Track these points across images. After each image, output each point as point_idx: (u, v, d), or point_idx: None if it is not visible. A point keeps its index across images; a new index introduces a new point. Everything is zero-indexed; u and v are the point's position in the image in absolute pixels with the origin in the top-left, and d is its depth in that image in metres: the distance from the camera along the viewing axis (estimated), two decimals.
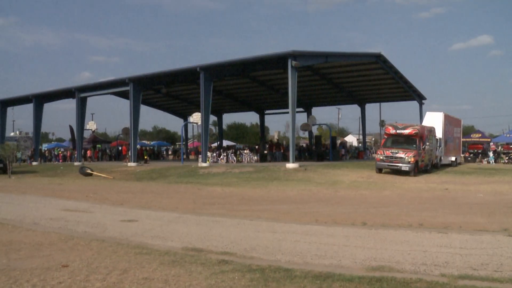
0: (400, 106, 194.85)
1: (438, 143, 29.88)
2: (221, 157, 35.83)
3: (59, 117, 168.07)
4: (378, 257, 7.45)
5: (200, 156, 32.95)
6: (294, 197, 17.69)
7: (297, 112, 32.30)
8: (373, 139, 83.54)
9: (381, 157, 25.40)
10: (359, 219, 11.48)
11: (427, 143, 26.66)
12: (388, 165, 25.18)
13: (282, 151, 38.48)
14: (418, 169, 25.38)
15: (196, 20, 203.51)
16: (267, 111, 52.16)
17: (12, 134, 57.39)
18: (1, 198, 17.86)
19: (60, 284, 6.12)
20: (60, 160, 45.53)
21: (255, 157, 35.71)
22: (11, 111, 51.80)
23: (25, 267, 7.02)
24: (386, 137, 27.63)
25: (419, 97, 41.36)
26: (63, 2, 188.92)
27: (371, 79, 38.01)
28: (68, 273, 6.64)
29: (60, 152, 48.68)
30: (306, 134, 54.26)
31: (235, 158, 35.44)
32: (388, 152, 25.23)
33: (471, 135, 46.20)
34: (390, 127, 27.01)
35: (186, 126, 51.56)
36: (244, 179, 23.82)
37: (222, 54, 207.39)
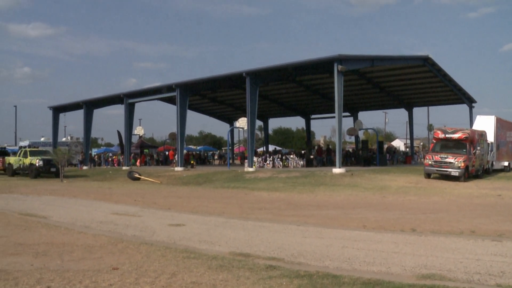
0: (449, 110, 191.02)
1: (490, 147, 29.05)
2: (267, 162, 35.83)
3: (108, 123, 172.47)
4: (428, 265, 7.28)
5: (246, 161, 33.06)
6: (341, 203, 17.52)
7: (344, 116, 31.97)
8: (421, 143, 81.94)
9: (430, 162, 24.88)
10: (408, 226, 11.27)
11: (478, 148, 25.96)
12: (437, 170, 24.65)
13: (327, 155, 38.26)
14: (469, 175, 24.74)
15: (241, 26, 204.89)
16: (313, 116, 51.92)
17: (64, 139, 59.05)
18: (54, 202, 18.39)
19: (111, 286, 6.25)
20: (115, 165, 46.51)
21: (301, 162, 35.57)
22: (63, 117, 53.38)
23: (78, 268, 7.20)
24: (434, 141, 27.06)
25: (469, 100, 40.30)
26: (110, 11, 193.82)
27: (418, 82, 37.29)
28: (118, 275, 6.77)
29: (115, 157, 49.72)
30: (353, 139, 53.74)
31: (281, 163, 35.39)
32: (437, 157, 24.70)
33: None
34: (439, 132, 26.45)
35: (232, 131, 51.90)
36: (290, 184, 23.76)
37: (267, 60, 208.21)
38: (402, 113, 74.14)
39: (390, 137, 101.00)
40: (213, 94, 44.62)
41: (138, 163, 43.84)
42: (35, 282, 6.41)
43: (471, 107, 40.58)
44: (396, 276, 6.67)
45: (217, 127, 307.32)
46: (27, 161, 35.27)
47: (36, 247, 8.92)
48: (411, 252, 8.26)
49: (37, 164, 34.46)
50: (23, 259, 7.95)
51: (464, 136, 25.00)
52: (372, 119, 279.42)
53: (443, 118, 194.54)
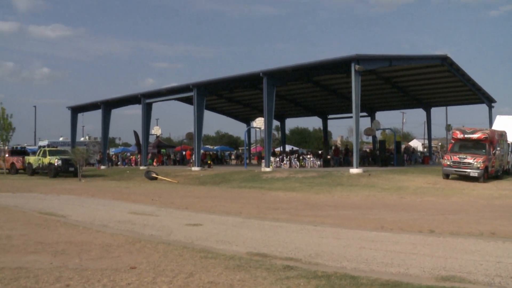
0: (468, 110, 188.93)
1: (510, 148, 28.67)
2: (284, 162, 35.81)
3: (125, 123, 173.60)
4: (447, 267, 7.20)
5: (263, 161, 33.06)
6: (358, 203, 17.44)
7: (361, 116, 31.79)
8: (439, 143, 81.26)
9: (448, 163, 24.62)
10: (426, 227, 11.18)
11: (498, 148, 25.63)
12: (455, 171, 24.38)
13: (344, 156, 38.12)
14: (488, 175, 24.40)
15: (258, 26, 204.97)
16: (330, 116, 51.69)
17: (82, 139, 59.58)
18: (72, 201, 18.58)
19: (129, 286, 6.29)
20: (133, 164, 46.79)
21: (318, 162, 35.47)
22: (81, 117, 53.88)
23: (96, 267, 7.26)
24: (453, 141, 26.76)
25: (489, 100, 39.82)
26: (128, 12, 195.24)
27: (436, 82, 36.92)
28: (136, 274, 6.81)
29: (132, 157, 50.01)
30: (370, 139, 53.44)
31: (298, 163, 35.34)
32: (456, 158, 24.42)
33: None
34: (457, 132, 26.15)
35: (249, 131, 51.90)
36: (307, 184, 23.71)
37: (284, 59, 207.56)
38: (419, 113, 73.57)
39: (408, 137, 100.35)
40: (230, 94, 44.64)
41: (155, 163, 44.06)
42: (55, 280, 6.49)
43: (490, 107, 40.09)
44: (414, 278, 6.61)
45: (234, 127, 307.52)
46: (46, 160, 35.69)
47: (55, 246, 9.02)
48: (430, 254, 8.18)
49: (56, 164, 34.85)
50: (43, 257, 8.04)
51: (483, 136, 24.70)
52: (389, 119, 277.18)
53: (462, 118, 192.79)
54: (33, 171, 37.49)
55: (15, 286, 6.24)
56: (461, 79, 34.87)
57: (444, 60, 31.89)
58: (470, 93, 38.40)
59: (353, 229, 11.08)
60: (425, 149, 55.35)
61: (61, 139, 58.23)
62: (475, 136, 24.88)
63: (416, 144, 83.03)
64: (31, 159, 38.52)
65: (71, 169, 34.81)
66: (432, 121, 46.01)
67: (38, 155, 37.40)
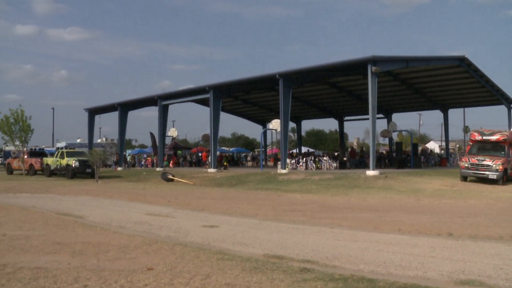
0: (486, 111, 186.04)
1: None
2: (300, 163, 35.73)
3: (142, 124, 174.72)
4: (466, 270, 7.11)
5: (279, 162, 33.02)
6: (375, 205, 17.34)
7: (377, 118, 31.60)
8: (457, 145, 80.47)
9: (466, 165, 24.38)
10: (444, 229, 11.07)
11: None
12: (473, 173, 24.14)
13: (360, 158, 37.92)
14: (507, 178, 24.13)
15: (274, 28, 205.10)
16: (346, 118, 51.49)
17: (99, 140, 60.02)
18: (90, 202, 18.72)
19: (146, 287, 6.32)
20: (149, 166, 46.99)
21: (335, 164, 35.34)
22: (98, 119, 54.32)
23: (113, 268, 7.30)
24: (471, 143, 26.48)
25: (507, 101, 39.32)
26: (145, 15, 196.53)
27: (454, 83, 36.61)
28: (153, 276, 6.83)
29: (149, 158, 50.23)
30: (386, 141, 53.11)
31: (314, 165, 35.23)
32: (474, 160, 24.18)
33: None
34: (476, 133, 25.88)
35: (265, 133, 51.90)
36: (323, 186, 23.63)
37: (300, 61, 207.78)
38: (437, 114, 72.98)
39: (425, 139, 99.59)
40: (246, 96, 44.71)
41: (171, 165, 44.22)
42: (73, 281, 6.53)
43: (509, 108, 39.59)
44: (433, 281, 6.54)
45: (250, 129, 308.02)
46: (64, 162, 36.02)
47: (73, 246, 9.09)
48: (448, 257, 8.09)
49: (73, 165, 35.17)
50: (61, 257, 8.11)
51: (502, 138, 24.42)
52: (406, 121, 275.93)
53: (480, 120, 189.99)
54: (51, 172, 37.86)
55: (34, 286, 6.30)
56: (479, 80, 34.53)
57: (462, 61, 31.60)
58: (489, 94, 38.00)
59: (370, 231, 11.01)
60: (442, 151, 54.83)
61: (78, 140, 58.77)
62: (493, 138, 24.60)
63: (433, 146, 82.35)
64: (49, 160, 38.91)
65: (88, 170, 35.09)
66: (450, 122, 45.59)
67: (56, 157, 37.78)
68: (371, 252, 8.58)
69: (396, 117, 54.95)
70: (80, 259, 7.95)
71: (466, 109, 57.27)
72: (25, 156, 41.14)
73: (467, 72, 32.94)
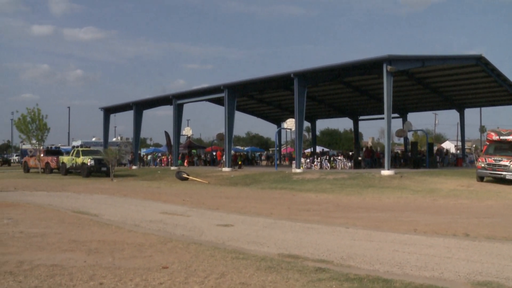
0: (503, 111, 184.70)
1: None
2: (315, 163, 35.66)
3: (156, 123, 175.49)
4: (484, 272, 7.02)
5: (293, 162, 32.97)
6: (390, 205, 17.23)
7: (392, 117, 31.43)
8: (473, 145, 79.75)
9: (483, 165, 24.11)
10: (460, 230, 10.95)
11: None
12: (490, 173, 23.87)
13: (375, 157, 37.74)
14: None
15: (287, 27, 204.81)
16: (361, 117, 51.32)
17: (114, 139, 60.36)
18: (105, 200, 18.84)
19: (161, 285, 6.31)
20: (164, 164, 47.15)
21: (349, 164, 35.21)
22: (113, 118, 54.63)
23: (128, 266, 7.32)
24: (488, 143, 26.19)
25: None
26: (159, 15, 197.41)
27: (471, 82, 36.24)
28: (168, 274, 6.84)
29: (163, 157, 50.42)
30: (401, 141, 52.79)
31: (328, 164, 35.15)
32: (491, 160, 23.91)
33: None
34: (492, 133, 25.58)
35: (279, 132, 51.87)
36: (338, 186, 23.55)
37: (313, 61, 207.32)
38: (452, 114, 72.37)
39: (440, 139, 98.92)
40: (260, 95, 44.70)
41: (185, 163, 44.36)
42: (88, 278, 6.57)
43: None
44: (449, 282, 6.47)
45: (264, 128, 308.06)
46: (80, 160, 36.31)
47: (89, 244, 9.14)
48: (465, 258, 8.01)
49: (88, 164, 35.43)
50: (77, 255, 8.17)
51: None
52: (421, 120, 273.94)
53: (497, 119, 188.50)
54: (67, 171, 38.18)
55: (50, 283, 6.34)
56: (496, 79, 34.16)
57: (479, 60, 31.27)
58: (506, 93, 37.59)
59: (385, 231, 10.93)
60: (458, 151, 54.33)
61: (93, 139, 59.20)
62: (511, 138, 24.32)
63: (449, 145, 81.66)
64: (65, 159, 39.24)
65: (104, 169, 35.34)
66: (466, 122, 45.25)
67: (72, 155, 38.08)
68: (387, 252, 8.52)
69: (412, 116, 54.74)
70: (95, 257, 7.99)
71: (483, 108, 56.79)
72: (42, 155, 41.52)
73: (484, 71, 32.60)
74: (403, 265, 7.50)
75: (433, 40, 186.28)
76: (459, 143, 51.33)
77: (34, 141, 40.91)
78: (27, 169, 43.83)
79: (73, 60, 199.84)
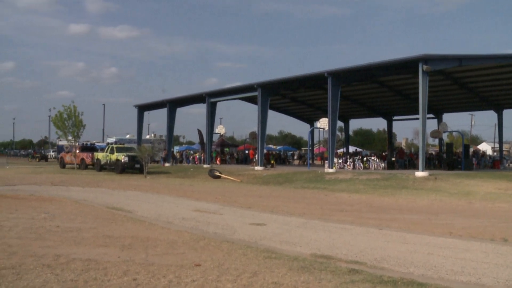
0: None
1: None
2: (348, 163, 35.39)
3: (189, 121, 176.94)
4: None
5: (326, 161, 32.78)
6: (424, 207, 16.96)
7: (427, 118, 30.89)
8: (511, 147, 77.93)
9: None
10: (498, 234, 10.68)
11: None
12: None
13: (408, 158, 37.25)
14: None
15: (321, 26, 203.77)
16: (395, 117, 50.69)
17: (147, 136, 61.04)
18: (138, 197, 19.05)
19: (194, 282, 6.33)
20: (196, 162, 47.47)
21: (382, 164, 34.83)
22: (146, 115, 55.26)
23: (161, 263, 7.37)
24: None
25: None
26: (193, 13, 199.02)
27: (509, 82, 35.36)
28: (201, 272, 6.85)
29: (196, 155, 50.75)
30: (436, 142, 51.97)
31: (361, 165, 34.84)
32: None
33: None
34: None
35: (312, 132, 51.63)
36: (371, 187, 23.31)
37: (346, 60, 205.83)
38: (490, 115, 70.88)
39: (476, 141, 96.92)
40: (293, 94, 44.57)
41: (218, 161, 44.55)
42: (122, 274, 6.63)
43: None
44: None
45: (297, 127, 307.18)
46: (114, 157, 36.80)
47: (123, 240, 9.25)
48: (504, 264, 7.80)
49: (122, 160, 35.87)
50: (111, 250, 8.27)
51: None
52: (457, 121, 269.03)
53: None
54: (101, 167, 38.74)
55: (86, 277, 6.43)
56: None
57: None
58: None
59: (419, 234, 10.76)
60: (495, 153, 53.17)
61: (127, 136, 59.94)
62: None
63: (485, 147, 79.98)
64: (99, 155, 39.84)
65: (137, 165, 35.71)
66: (504, 123, 44.15)
67: (106, 152, 38.68)
68: (421, 255, 8.37)
69: (447, 117, 53.75)
70: (129, 253, 8.08)
71: None
72: (77, 151, 42.29)
73: None
74: (438, 268, 7.35)
75: (470, 39, 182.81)
76: (497, 145, 50.20)
77: (70, 138, 41.70)
78: (63, 164, 44.71)
79: (108, 58, 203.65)
